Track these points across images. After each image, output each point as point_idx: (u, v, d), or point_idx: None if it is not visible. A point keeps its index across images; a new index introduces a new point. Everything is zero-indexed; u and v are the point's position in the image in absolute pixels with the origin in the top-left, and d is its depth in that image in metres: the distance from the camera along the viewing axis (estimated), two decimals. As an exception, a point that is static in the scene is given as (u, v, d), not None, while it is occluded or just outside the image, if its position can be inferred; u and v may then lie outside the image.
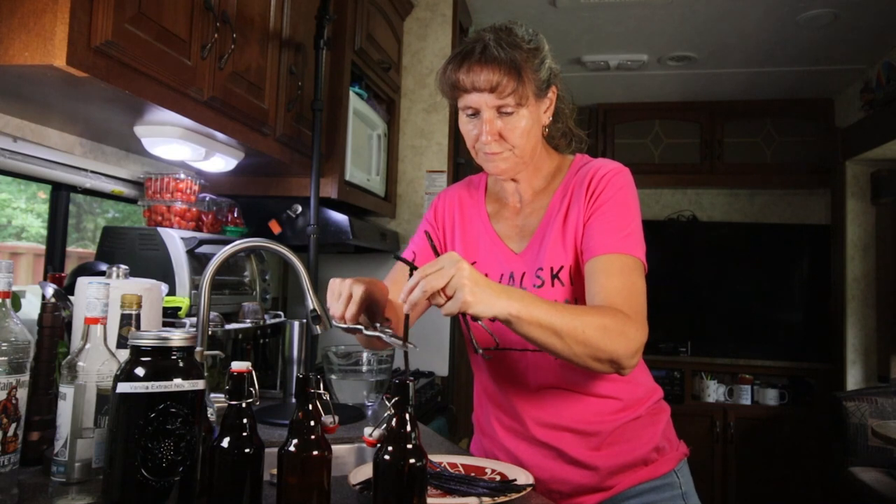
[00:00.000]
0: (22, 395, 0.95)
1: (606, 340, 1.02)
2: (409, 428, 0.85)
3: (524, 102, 1.16)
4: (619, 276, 1.12)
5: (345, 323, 1.12)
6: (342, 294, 1.12)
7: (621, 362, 1.05)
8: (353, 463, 1.45)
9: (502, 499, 0.98)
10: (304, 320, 1.79)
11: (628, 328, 1.05)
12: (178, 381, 0.86)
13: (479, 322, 1.02)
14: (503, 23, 1.21)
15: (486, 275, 1.27)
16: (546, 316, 0.99)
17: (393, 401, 0.86)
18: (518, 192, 1.31)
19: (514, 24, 1.21)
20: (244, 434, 0.87)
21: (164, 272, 1.73)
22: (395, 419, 0.86)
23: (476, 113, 1.18)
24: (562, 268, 1.19)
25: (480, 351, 1.09)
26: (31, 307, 1.41)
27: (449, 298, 0.96)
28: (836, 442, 3.62)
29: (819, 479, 3.95)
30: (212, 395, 1.24)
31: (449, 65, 1.18)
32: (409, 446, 0.84)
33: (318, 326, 1.42)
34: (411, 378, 0.92)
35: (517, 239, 1.28)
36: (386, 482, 0.84)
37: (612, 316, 1.05)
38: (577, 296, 1.18)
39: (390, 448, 0.84)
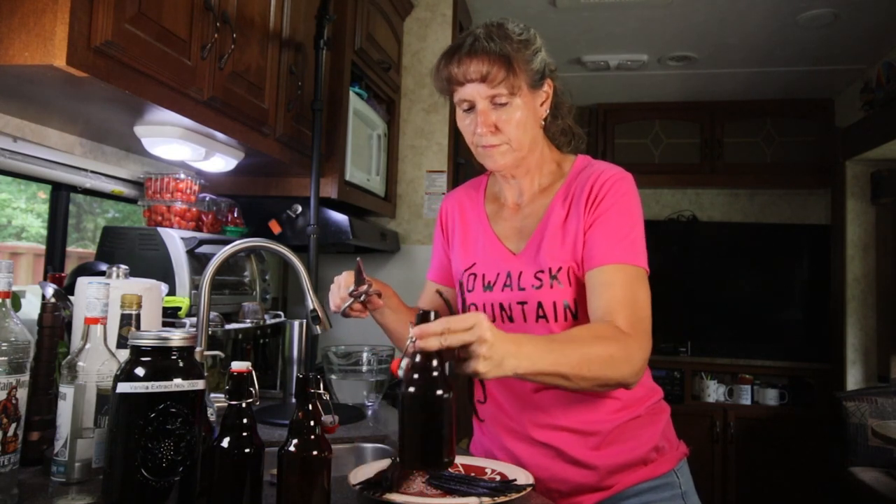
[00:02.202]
0: (22, 395, 0.94)
1: (612, 370, 1.05)
2: (435, 362, 0.85)
3: (517, 92, 1.17)
4: (622, 289, 1.12)
5: (344, 303, 1.24)
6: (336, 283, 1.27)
7: (627, 383, 1.09)
8: (353, 463, 1.45)
9: (502, 499, 0.98)
10: (304, 320, 1.79)
11: (632, 351, 1.07)
12: (178, 381, 0.86)
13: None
14: (496, 19, 1.23)
15: (484, 275, 1.27)
16: (552, 366, 0.99)
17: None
18: (518, 190, 1.31)
19: (506, 20, 1.22)
20: (244, 434, 0.87)
21: (164, 272, 1.73)
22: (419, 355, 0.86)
23: (472, 107, 1.19)
24: (560, 269, 1.19)
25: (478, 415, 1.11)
26: (31, 307, 1.41)
27: (461, 358, 0.93)
28: (836, 442, 3.62)
29: (819, 479, 3.95)
30: (212, 395, 1.24)
31: (441, 60, 1.20)
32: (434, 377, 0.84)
33: (318, 326, 1.42)
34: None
35: (516, 239, 1.28)
36: (412, 412, 0.84)
37: (615, 342, 1.06)
38: (577, 297, 1.18)
39: (416, 377, 0.84)
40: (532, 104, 1.21)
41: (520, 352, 0.95)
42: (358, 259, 1.26)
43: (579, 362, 1.01)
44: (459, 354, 0.93)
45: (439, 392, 0.83)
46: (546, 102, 1.25)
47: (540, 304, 1.19)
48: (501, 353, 0.93)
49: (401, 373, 0.90)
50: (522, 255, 1.25)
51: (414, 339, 0.87)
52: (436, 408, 0.83)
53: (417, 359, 0.85)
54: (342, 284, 1.26)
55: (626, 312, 1.10)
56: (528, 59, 1.18)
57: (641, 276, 1.15)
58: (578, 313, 1.18)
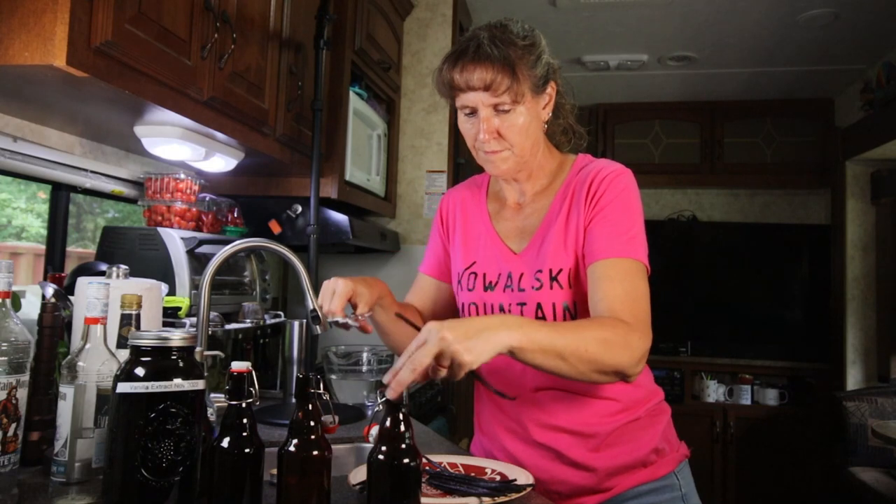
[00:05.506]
0: (22, 395, 0.95)
1: (610, 354, 1.01)
2: (402, 428, 0.85)
3: (520, 100, 1.16)
4: (622, 282, 1.11)
5: (332, 317, 1.16)
6: (332, 290, 1.16)
7: (626, 372, 1.05)
8: (353, 463, 1.45)
9: (502, 499, 0.98)
10: (304, 320, 1.79)
11: (631, 338, 1.04)
12: (178, 381, 0.86)
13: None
14: (498, 20, 1.21)
15: (485, 274, 1.27)
16: (548, 340, 0.97)
17: (384, 400, 0.86)
18: (519, 191, 1.30)
19: (510, 21, 1.20)
20: (244, 434, 0.87)
21: (164, 272, 1.73)
22: (388, 419, 0.86)
23: (473, 112, 1.18)
24: (560, 270, 1.19)
25: (506, 395, 1.09)
26: (31, 307, 1.41)
27: (447, 367, 0.91)
28: (836, 442, 3.62)
29: (819, 479, 3.95)
30: (212, 395, 1.24)
31: (444, 64, 1.18)
32: (403, 446, 0.84)
33: (318, 326, 1.42)
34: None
35: (517, 239, 1.28)
36: (380, 481, 0.84)
37: (612, 328, 1.04)
38: (577, 299, 1.18)
39: (384, 448, 0.84)
40: (535, 109, 1.20)
41: (508, 325, 0.95)
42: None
43: (574, 340, 0.99)
44: (441, 365, 0.90)
45: (406, 460, 0.84)
46: (549, 105, 1.24)
47: (539, 306, 1.19)
48: (474, 332, 0.92)
49: (371, 438, 0.90)
50: (523, 255, 1.25)
51: (385, 398, 0.87)
52: (403, 476, 0.84)
53: (387, 424, 0.85)
54: (332, 290, 1.17)
55: (626, 305, 1.08)
56: (531, 65, 1.17)
57: (641, 270, 1.14)
58: (577, 315, 1.18)
